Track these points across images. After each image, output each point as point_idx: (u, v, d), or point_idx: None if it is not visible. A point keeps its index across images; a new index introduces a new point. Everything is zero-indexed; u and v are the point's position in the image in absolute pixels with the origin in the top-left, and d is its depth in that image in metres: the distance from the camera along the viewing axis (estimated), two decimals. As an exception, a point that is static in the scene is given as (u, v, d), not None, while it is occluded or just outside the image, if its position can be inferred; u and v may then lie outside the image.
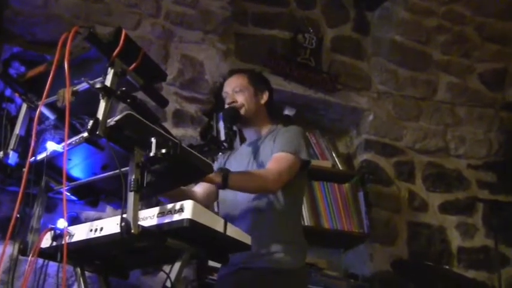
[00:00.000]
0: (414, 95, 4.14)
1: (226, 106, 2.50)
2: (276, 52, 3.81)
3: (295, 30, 3.89)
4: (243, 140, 2.71)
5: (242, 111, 2.44)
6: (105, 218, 1.68)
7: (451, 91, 4.21)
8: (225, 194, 2.40)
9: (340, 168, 3.81)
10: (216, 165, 2.66)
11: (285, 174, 2.24)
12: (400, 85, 4.11)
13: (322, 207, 3.57)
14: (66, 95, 1.50)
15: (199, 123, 3.46)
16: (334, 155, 3.85)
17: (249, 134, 2.58)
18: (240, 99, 2.47)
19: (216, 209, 2.94)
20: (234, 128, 2.34)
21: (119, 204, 1.49)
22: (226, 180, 2.08)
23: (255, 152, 2.44)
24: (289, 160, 2.28)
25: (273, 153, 2.32)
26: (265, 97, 2.55)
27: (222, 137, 2.33)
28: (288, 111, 3.78)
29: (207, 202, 2.52)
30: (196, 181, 2.06)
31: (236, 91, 2.50)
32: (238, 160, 2.51)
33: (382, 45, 4.11)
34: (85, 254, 1.74)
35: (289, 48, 3.86)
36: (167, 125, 3.29)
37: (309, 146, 2.43)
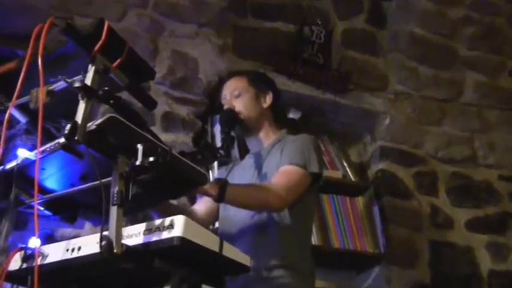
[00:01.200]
0: (437, 96, 4.14)
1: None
2: (278, 47, 3.82)
3: (300, 23, 3.90)
4: (244, 151, 2.72)
5: (242, 118, 2.46)
6: (83, 235, 1.67)
7: (479, 91, 4.21)
8: (227, 211, 2.41)
9: (352, 180, 3.81)
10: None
11: (293, 191, 2.25)
12: (420, 85, 4.11)
13: (331, 224, 3.57)
14: (40, 96, 1.49)
15: (192, 128, 3.46)
16: (345, 164, 3.85)
17: (252, 143, 2.59)
18: (239, 104, 2.48)
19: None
20: (232, 133, 2.34)
21: (100, 220, 1.48)
22: (223, 192, 2.07)
23: (259, 165, 2.45)
24: (298, 175, 2.29)
25: (280, 166, 2.32)
26: (268, 99, 2.56)
27: (218, 143, 2.34)
28: (292, 115, 3.78)
29: (208, 222, 2.53)
30: (188, 193, 2.07)
31: (235, 95, 2.51)
32: (241, 174, 2.52)
33: (401, 40, 4.12)
34: (60, 277, 1.73)
35: (294, 43, 3.87)
36: (155, 129, 3.29)
37: (321, 158, 2.44)
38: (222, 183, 2.08)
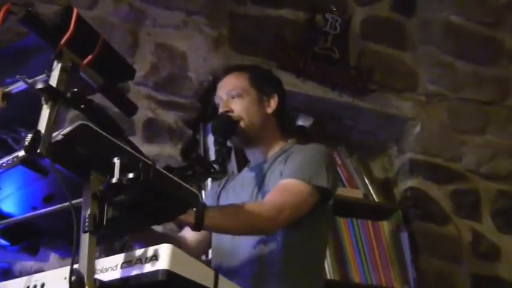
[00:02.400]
0: (478, 98, 4.15)
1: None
2: (285, 40, 3.83)
3: (312, 10, 3.91)
4: (243, 163, 2.71)
5: (241, 125, 2.46)
6: (48, 270, 1.66)
7: (529, 92, 4.22)
8: (221, 238, 2.42)
9: (375, 200, 3.82)
10: (208, 199, 2.66)
11: (288, 209, 2.24)
12: (458, 84, 4.12)
13: (350, 254, 3.56)
14: (-6, 99, 1.50)
15: (180, 138, 3.46)
16: (366, 181, 3.86)
17: (253, 155, 2.60)
18: (238, 108, 2.49)
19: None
20: (229, 143, 2.34)
21: (68, 250, 1.48)
22: (201, 218, 2.07)
23: (261, 180, 2.45)
24: (298, 190, 2.29)
25: (281, 179, 2.33)
26: (273, 103, 2.57)
27: (212, 156, 2.34)
28: (302, 122, 3.78)
29: (199, 251, 2.55)
30: (176, 217, 2.07)
31: (233, 96, 2.52)
32: (238, 191, 2.53)
33: (433, 30, 4.13)
34: (20, 320, 1.72)
35: (304, 34, 3.89)
36: (136, 139, 3.28)
37: (334, 172, 2.44)
38: (199, 208, 2.08)
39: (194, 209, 2.06)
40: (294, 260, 2.31)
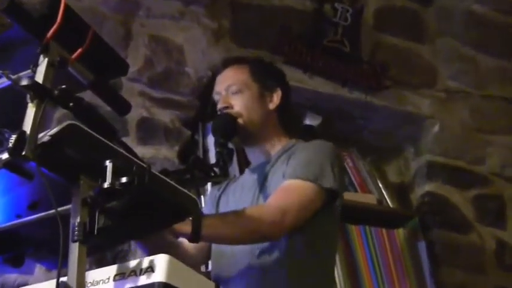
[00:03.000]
0: (503, 95, 4.16)
1: (219, 113, 2.51)
2: (291, 31, 3.83)
3: (320, -1, 3.92)
4: (243, 164, 2.71)
5: (241, 122, 2.47)
6: (33, 283, 1.67)
7: (559, 88, 4.22)
8: (222, 246, 2.43)
9: (390, 206, 3.82)
10: (207, 204, 2.66)
11: (293, 212, 2.25)
12: (481, 80, 4.12)
13: (362, 265, 3.56)
14: (-26, 97, 1.50)
15: (177, 139, 3.47)
16: (380, 185, 3.86)
17: (254, 155, 2.61)
18: (237, 103, 2.50)
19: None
20: (230, 145, 2.34)
21: (55, 262, 1.48)
22: (198, 228, 2.07)
23: (263, 181, 2.46)
24: (304, 191, 2.29)
25: (284, 180, 2.33)
26: (276, 99, 2.58)
27: (212, 158, 2.34)
28: (309, 121, 3.78)
29: (198, 261, 2.56)
30: (173, 225, 2.07)
31: (232, 91, 2.53)
32: (238, 194, 2.54)
33: (454, 20, 4.13)
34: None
35: (312, 25, 3.89)
36: (129, 141, 3.29)
37: (341, 172, 2.44)
38: (195, 217, 2.08)
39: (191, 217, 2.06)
40: (300, 269, 2.32)
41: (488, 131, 4.09)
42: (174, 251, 2.43)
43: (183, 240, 2.50)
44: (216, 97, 2.58)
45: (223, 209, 2.55)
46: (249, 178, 2.54)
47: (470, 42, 4.14)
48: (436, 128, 3.99)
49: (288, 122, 2.64)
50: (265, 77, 2.60)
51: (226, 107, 2.49)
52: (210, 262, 2.67)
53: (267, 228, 2.21)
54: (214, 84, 2.65)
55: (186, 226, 2.03)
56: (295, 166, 2.35)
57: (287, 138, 2.58)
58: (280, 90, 2.60)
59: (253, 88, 2.54)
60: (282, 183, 2.32)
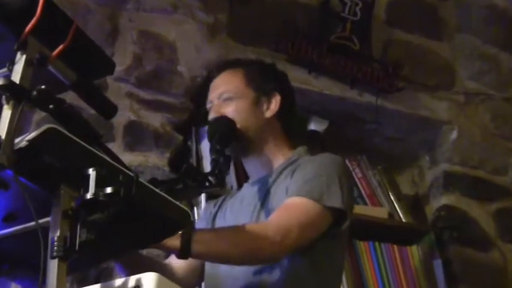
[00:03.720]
0: (528, 98, 4.16)
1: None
2: (295, 27, 3.84)
3: (327, -9, 3.93)
4: (242, 174, 2.71)
5: (240, 130, 2.47)
6: (9, 303, 1.67)
7: None
8: (216, 267, 2.42)
9: (403, 220, 3.82)
10: (201, 222, 2.66)
11: (295, 233, 2.24)
12: (503, 81, 4.13)
13: (372, 284, 3.58)
14: None
15: (168, 145, 3.47)
16: (392, 197, 3.87)
17: (253, 168, 2.61)
18: (228, 112, 2.49)
19: None
20: (228, 151, 2.35)
21: (33, 280, 1.49)
22: (187, 242, 2.07)
23: (264, 197, 2.46)
24: (307, 210, 2.29)
25: (287, 197, 2.33)
26: (274, 105, 2.58)
27: (207, 166, 2.34)
28: (315, 126, 3.79)
29: (189, 282, 2.54)
30: (163, 240, 2.07)
31: (224, 98, 2.53)
32: (237, 209, 2.54)
33: (473, 15, 4.14)
34: None
35: (318, 20, 3.90)
36: (115, 147, 3.30)
37: (350, 188, 2.45)
38: (186, 231, 2.08)
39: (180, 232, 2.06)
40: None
41: (511, 138, 4.09)
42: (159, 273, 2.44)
43: (171, 261, 2.50)
44: (208, 106, 2.58)
45: (219, 226, 2.54)
46: (248, 192, 2.54)
47: (491, 39, 4.15)
48: (454, 134, 3.99)
49: (292, 129, 2.64)
50: (262, 81, 2.59)
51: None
52: (203, 285, 2.67)
53: (266, 248, 2.20)
54: (209, 85, 2.65)
55: (174, 241, 2.04)
56: (300, 182, 2.35)
57: (291, 149, 2.57)
58: (279, 95, 2.59)
59: (247, 94, 2.54)
60: (284, 201, 2.32)
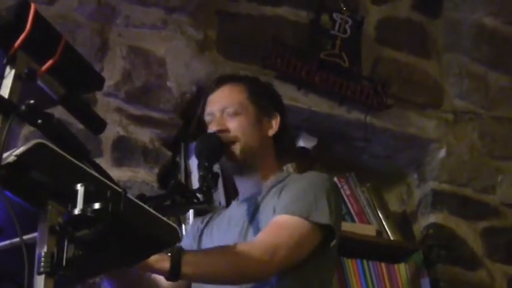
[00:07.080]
0: (516, 117, 4.17)
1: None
2: (284, 44, 3.83)
3: (317, 8, 3.93)
4: (231, 191, 2.70)
5: (236, 149, 2.46)
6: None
7: None
8: (203, 286, 2.40)
9: (391, 238, 3.82)
10: (188, 237, 2.65)
11: (283, 252, 2.24)
12: (492, 100, 4.14)
13: (360, 303, 3.57)
14: None
15: (156, 160, 3.47)
16: (380, 215, 3.86)
17: (245, 186, 2.60)
18: (235, 127, 2.48)
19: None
20: (215, 168, 2.34)
21: (19, 296, 1.48)
22: (177, 264, 2.06)
23: (252, 215, 2.45)
24: (295, 228, 2.29)
25: (275, 216, 2.33)
26: (275, 125, 2.58)
27: (195, 183, 2.33)
28: (304, 143, 3.78)
29: None
30: (151, 256, 2.07)
31: (229, 113, 2.52)
32: (224, 228, 2.53)
33: (463, 34, 4.15)
34: None
35: (307, 37, 3.90)
36: (104, 162, 3.29)
37: (338, 206, 2.45)
38: (174, 252, 2.07)
39: (169, 254, 2.05)
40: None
41: (499, 157, 4.10)
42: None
43: (157, 277, 2.49)
44: (207, 118, 2.56)
45: (206, 244, 2.54)
46: (236, 211, 2.53)
47: (480, 58, 4.15)
48: (443, 153, 3.99)
49: (283, 149, 2.64)
50: (264, 100, 2.59)
51: (222, 130, 2.46)
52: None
53: (254, 268, 2.20)
54: (199, 101, 2.64)
55: (163, 262, 2.03)
56: (287, 200, 2.35)
57: (280, 168, 2.58)
58: (279, 115, 2.60)
59: (250, 110, 2.53)
60: (272, 219, 2.32)
